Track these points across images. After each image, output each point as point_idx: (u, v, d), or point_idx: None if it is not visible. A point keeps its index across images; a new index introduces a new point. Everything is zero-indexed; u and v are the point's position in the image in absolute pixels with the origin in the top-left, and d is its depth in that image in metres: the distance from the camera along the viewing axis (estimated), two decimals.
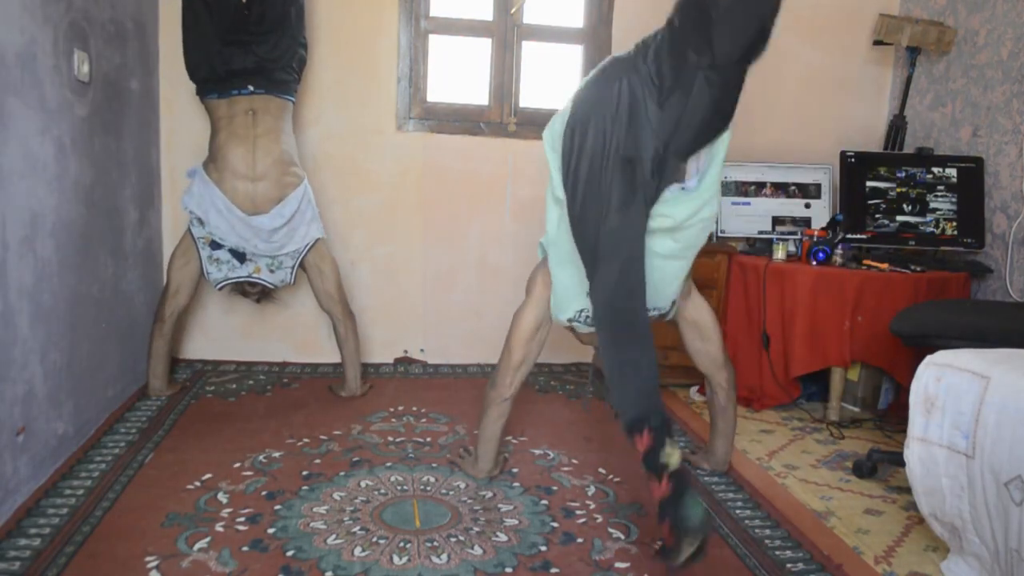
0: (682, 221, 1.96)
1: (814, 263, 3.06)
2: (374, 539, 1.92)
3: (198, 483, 2.20)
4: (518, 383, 2.28)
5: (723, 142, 2.08)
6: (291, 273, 2.98)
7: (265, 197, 2.83)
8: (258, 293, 3.07)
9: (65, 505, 2.02)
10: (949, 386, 1.78)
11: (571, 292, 2.10)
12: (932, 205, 3.30)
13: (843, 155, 3.36)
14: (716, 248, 3.36)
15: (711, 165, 2.00)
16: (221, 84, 2.80)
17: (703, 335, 2.30)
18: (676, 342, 2.45)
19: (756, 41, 1.83)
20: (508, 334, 2.26)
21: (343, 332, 3.03)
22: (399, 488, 2.24)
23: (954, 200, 3.27)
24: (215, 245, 2.88)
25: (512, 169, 3.52)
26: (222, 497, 2.12)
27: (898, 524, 2.19)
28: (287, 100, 2.91)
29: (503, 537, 1.97)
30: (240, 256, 2.91)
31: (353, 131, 3.40)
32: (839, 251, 3.09)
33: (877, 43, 3.50)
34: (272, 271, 2.97)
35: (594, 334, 2.14)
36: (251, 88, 2.81)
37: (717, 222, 3.47)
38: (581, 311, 2.13)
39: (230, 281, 2.94)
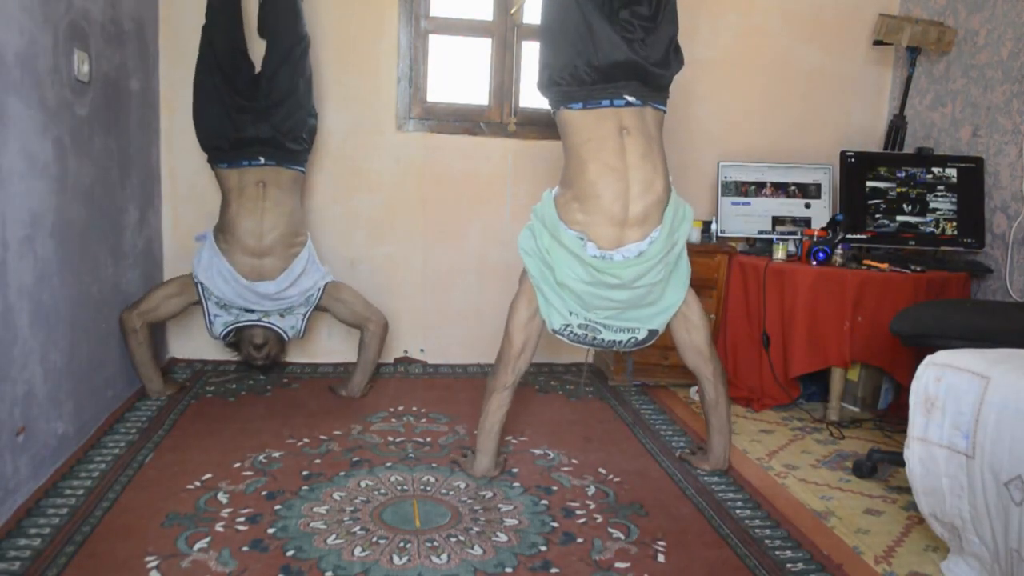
0: (628, 282, 2.18)
1: (814, 263, 3.06)
2: (374, 539, 1.92)
3: (198, 483, 2.20)
4: (520, 371, 2.31)
5: (684, 217, 2.29)
6: (302, 321, 2.99)
7: (272, 269, 2.86)
8: (263, 356, 3.02)
9: (65, 505, 2.02)
10: (949, 386, 1.78)
11: (553, 309, 2.25)
12: (932, 205, 3.30)
13: (843, 155, 3.36)
14: (716, 248, 3.36)
15: (660, 236, 2.19)
16: (232, 153, 2.82)
17: (689, 326, 2.37)
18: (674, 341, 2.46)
19: None
20: (506, 323, 2.33)
21: (367, 338, 3.04)
22: (399, 488, 2.24)
23: (954, 200, 3.27)
24: (222, 303, 2.91)
25: (512, 169, 3.52)
26: (222, 497, 2.12)
27: (898, 524, 2.19)
28: (298, 171, 2.93)
29: (503, 537, 1.97)
30: (248, 309, 2.94)
31: (353, 131, 3.40)
32: (839, 251, 3.09)
33: (877, 43, 3.50)
34: (282, 316, 2.98)
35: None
36: (262, 160, 2.83)
37: (717, 222, 3.48)
38: (566, 326, 2.27)
39: (239, 325, 2.93)
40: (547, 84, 2.22)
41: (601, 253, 2.17)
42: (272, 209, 2.84)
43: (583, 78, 2.14)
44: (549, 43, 2.22)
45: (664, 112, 2.26)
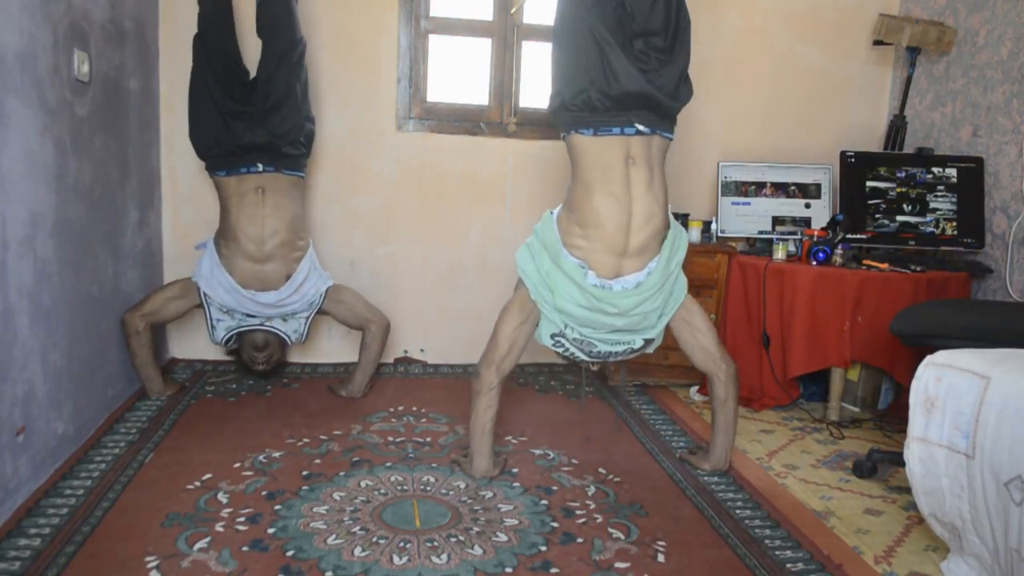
0: (626, 311, 2.23)
1: (814, 263, 3.06)
2: (374, 539, 1.92)
3: (198, 483, 2.20)
4: (504, 372, 2.33)
5: (680, 247, 2.33)
6: (305, 325, 3.00)
7: (274, 275, 2.86)
8: (264, 362, 3.03)
9: (65, 505, 2.02)
10: (949, 386, 1.78)
11: (546, 321, 2.29)
12: (932, 205, 3.30)
13: (843, 155, 3.36)
14: (716, 248, 3.36)
15: (658, 267, 2.25)
16: (229, 160, 2.81)
17: (693, 330, 2.39)
18: (676, 342, 2.47)
19: None
20: (496, 325, 2.35)
21: (369, 338, 3.04)
22: (399, 488, 2.24)
23: (954, 200, 3.27)
24: (225, 308, 2.91)
25: (512, 169, 3.52)
26: (222, 497, 2.12)
27: (898, 524, 2.19)
28: (297, 176, 2.92)
29: (503, 537, 1.97)
30: (251, 314, 2.95)
31: (353, 131, 3.40)
32: (839, 251, 3.09)
33: (877, 43, 3.50)
34: (285, 320, 2.98)
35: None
36: (260, 167, 2.81)
37: (717, 222, 3.48)
38: (559, 337, 2.31)
39: (241, 329, 2.95)
40: (558, 109, 2.22)
41: (601, 282, 2.21)
42: (272, 215, 2.84)
43: (596, 106, 2.14)
44: (562, 70, 2.21)
45: (671, 140, 2.27)
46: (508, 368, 2.33)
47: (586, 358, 2.41)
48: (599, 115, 2.15)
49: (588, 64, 2.14)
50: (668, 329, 2.42)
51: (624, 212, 2.17)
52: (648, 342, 2.39)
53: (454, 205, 3.51)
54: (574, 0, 2.19)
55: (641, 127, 2.16)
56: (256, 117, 2.81)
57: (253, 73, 2.95)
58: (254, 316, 2.94)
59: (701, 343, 2.39)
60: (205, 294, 2.87)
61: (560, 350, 2.38)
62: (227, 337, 2.95)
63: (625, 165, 2.17)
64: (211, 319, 2.91)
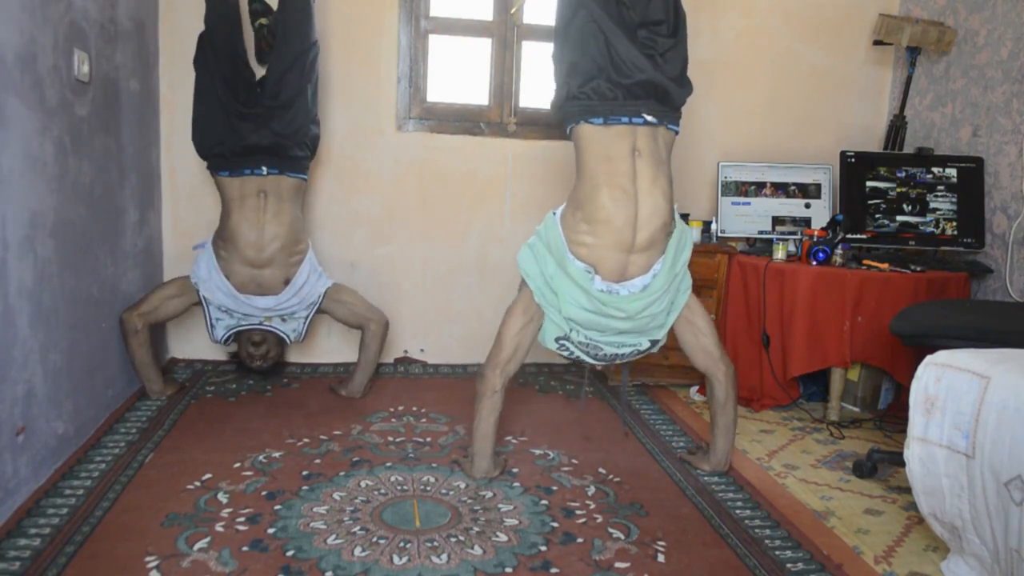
0: (633, 314, 2.24)
1: (814, 263, 3.06)
2: (374, 539, 1.92)
3: (198, 483, 2.20)
4: (508, 375, 2.32)
5: (685, 246, 2.33)
6: (304, 324, 3.00)
7: (272, 280, 2.86)
8: (262, 358, 3.03)
9: (65, 505, 2.02)
10: (949, 386, 1.78)
11: (551, 323, 2.29)
12: (932, 205, 3.30)
13: (843, 155, 3.36)
14: (716, 248, 3.36)
15: (663, 268, 2.24)
16: (234, 161, 2.79)
17: (695, 330, 2.39)
18: (676, 343, 2.47)
19: None
20: (500, 328, 2.34)
21: (368, 337, 3.04)
22: (399, 488, 2.24)
23: (954, 200, 3.27)
24: (224, 308, 2.91)
25: (512, 169, 3.52)
26: (222, 497, 2.12)
27: (898, 524, 2.19)
28: (300, 179, 2.91)
29: (503, 537, 1.97)
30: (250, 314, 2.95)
31: (353, 131, 3.40)
32: (839, 251, 3.09)
33: (877, 43, 3.50)
34: (284, 320, 2.98)
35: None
36: (264, 170, 2.80)
37: (717, 222, 3.48)
38: (564, 340, 2.31)
39: (240, 328, 2.94)
40: (565, 99, 2.21)
41: (607, 287, 2.20)
42: (273, 220, 2.83)
43: (605, 93, 2.13)
44: (567, 61, 2.20)
45: (676, 133, 2.27)
46: (513, 370, 2.33)
47: (592, 361, 2.39)
48: (608, 103, 2.14)
49: (595, 53, 2.13)
50: (670, 329, 2.42)
51: (631, 206, 2.15)
52: (654, 343, 2.38)
53: (454, 205, 3.51)
54: (574, 1, 2.19)
55: (649, 117, 2.16)
56: (262, 118, 2.80)
57: (259, 74, 2.95)
58: (253, 316, 2.94)
59: (703, 344, 2.39)
60: (204, 297, 2.87)
61: (565, 354, 2.37)
62: (226, 336, 2.95)
63: (631, 158, 2.16)
64: (210, 318, 2.91)
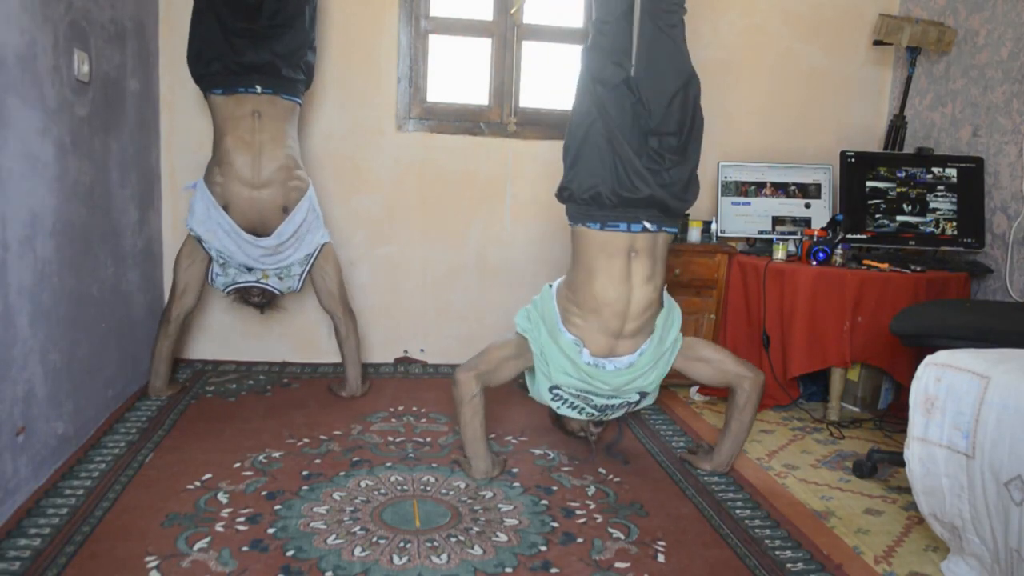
0: (618, 388, 2.27)
1: (814, 263, 3.06)
2: (374, 539, 1.92)
3: (198, 483, 2.20)
4: (485, 384, 2.34)
5: (673, 324, 2.35)
6: (299, 280, 2.98)
7: (271, 204, 2.81)
8: (260, 297, 3.02)
9: (65, 505, 2.02)
10: (949, 386, 1.78)
11: (544, 377, 2.31)
12: (932, 205, 3.30)
13: (843, 155, 3.36)
14: (716, 248, 3.36)
15: (650, 347, 2.28)
16: (228, 78, 2.75)
17: (707, 362, 2.40)
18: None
19: None
20: (489, 347, 2.38)
21: (344, 332, 3.03)
22: (399, 488, 2.24)
23: (954, 200, 3.27)
24: (221, 259, 2.89)
25: (512, 169, 3.52)
26: (222, 497, 2.12)
27: (898, 524, 2.19)
28: (294, 102, 2.88)
29: (503, 537, 1.97)
30: (248, 267, 2.92)
31: (353, 131, 3.40)
32: (839, 251, 3.09)
33: (877, 43, 3.50)
34: (280, 278, 2.96)
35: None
36: (259, 88, 2.76)
37: (717, 222, 3.48)
38: (558, 389, 2.31)
39: (237, 285, 2.93)
40: (566, 200, 2.25)
41: (595, 361, 2.24)
42: (269, 141, 2.79)
43: (604, 202, 2.15)
44: (572, 163, 2.22)
45: (675, 235, 2.29)
46: (488, 383, 2.35)
47: (589, 410, 2.38)
48: (607, 211, 2.16)
49: (600, 162, 2.15)
50: (676, 370, 2.41)
51: (623, 301, 2.20)
52: (644, 395, 2.39)
53: (454, 205, 3.51)
54: (591, 92, 2.19)
55: (648, 225, 2.18)
56: (260, 36, 2.75)
57: None
58: (251, 270, 2.90)
59: (720, 368, 2.39)
60: (201, 238, 2.82)
61: (558, 404, 2.36)
62: (227, 289, 2.95)
63: (628, 258, 2.19)
64: (211, 272, 2.90)
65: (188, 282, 2.88)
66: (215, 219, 2.79)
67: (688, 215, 3.42)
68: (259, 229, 2.82)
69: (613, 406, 2.36)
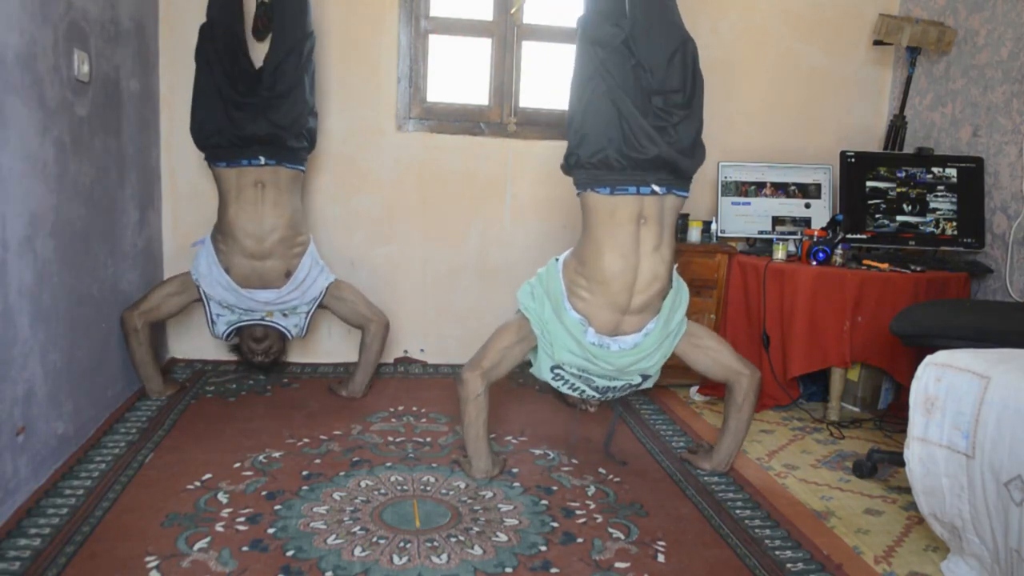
0: (622, 368, 2.28)
1: (814, 263, 3.06)
2: (374, 539, 1.92)
3: (198, 483, 2.20)
4: (490, 381, 2.33)
5: (680, 304, 2.34)
6: (305, 320, 2.99)
7: (273, 272, 2.86)
8: (264, 356, 3.00)
9: (65, 505, 2.02)
10: (949, 386, 1.78)
11: (545, 355, 2.30)
12: (932, 205, 3.30)
13: (843, 155, 3.36)
14: (716, 248, 3.36)
15: (656, 328, 2.27)
16: (231, 152, 2.79)
17: (706, 350, 2.40)
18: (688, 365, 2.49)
19: None
20: (490, 339, 2.36)
21: (369, 338, 3.03)
22: (399, 488, 2.24)
23: (954, 200, 3.27)
24: (225, 304, 2.91)
25: (512, 169, 3.52)
26: (222, 497, 2.12)
27: (898, 524, 2.19)
28: (298, 170, 2.90)
29: (503, 537, 1.97)
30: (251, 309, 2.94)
31: (353, 131, 3.40)
32: (839, 251, 3.09)
33: (877, 43, 3.50)
34: (285, 315, 2.97)
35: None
36: (262, 159, 2.79)
37: (717, 222, 3.48)
38: (559, 370, 2.31)
39: (241, 324, 2.93)
40: (573, 167, 2.22)
41: (599, 340, 2.23)
42: (271, 211, 2.83)
43: (613, 165, 2.14)
44: (577, 130, 2.19)
45: (685, 198, 2.27)
46: (495, 378, 2.34)
47: (590, 392, 2.38)
48: (616, 174, 2.15)
49: (606, 123, 2.13)
50: (676, 354, 2.41)
51: (631, 272, 2.18)
52: (646, 377, 2.38)
53: (454, 205, 3.51)
54: (591, 57, 2.17)
55: (657, 188, 2.16)
56: (259, 107, 2.79)
57: (257, 65, 2.95)
58: (254, 311, 2.93)
59: (718, 360, 2.39)
60: (205, 292, 2.87)
61: (559, 383, 2.37)
62: (228, 332, 2.94)
63: (636, 225, 2.18)
64: (211, 314, 2.91)
65: (161, 308, 2.86)
66: (215, 276, 2.83)
67: (688, 215, 3.42)
68: (261, 288, 2.87)
69: (615, 388, 2.36)
